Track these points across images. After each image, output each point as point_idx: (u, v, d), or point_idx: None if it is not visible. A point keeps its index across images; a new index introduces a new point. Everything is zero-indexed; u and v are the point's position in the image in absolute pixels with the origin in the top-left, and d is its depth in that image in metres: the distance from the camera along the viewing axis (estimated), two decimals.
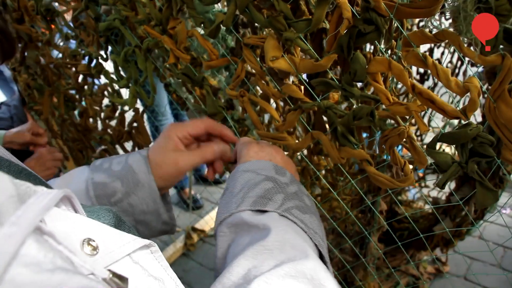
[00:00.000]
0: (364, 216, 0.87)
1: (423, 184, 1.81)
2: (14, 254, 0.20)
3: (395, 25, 0.45)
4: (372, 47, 0.59)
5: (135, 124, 0.91)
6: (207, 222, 2.44)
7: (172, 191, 2.73)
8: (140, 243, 0.32)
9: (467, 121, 0.43)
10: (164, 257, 0.35)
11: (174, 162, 0.58)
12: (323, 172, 0.81)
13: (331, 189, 0.70)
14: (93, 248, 0.28)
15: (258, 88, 0.66)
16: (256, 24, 0.65)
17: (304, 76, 0.57)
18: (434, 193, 1.92)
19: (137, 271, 0.31)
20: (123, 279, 0.27)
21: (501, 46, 0.37)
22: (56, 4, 1.02)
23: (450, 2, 0.36)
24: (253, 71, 0.65)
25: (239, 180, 0.49)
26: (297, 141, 0.63)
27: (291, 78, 0.69)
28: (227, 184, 0.52)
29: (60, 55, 1.17)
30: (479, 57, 0.37)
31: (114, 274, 0.27)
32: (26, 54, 1.22)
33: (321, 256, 0.45)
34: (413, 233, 1.47)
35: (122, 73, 0.87)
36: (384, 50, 0.50)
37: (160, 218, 0.59)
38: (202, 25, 0.62)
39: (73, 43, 1.13)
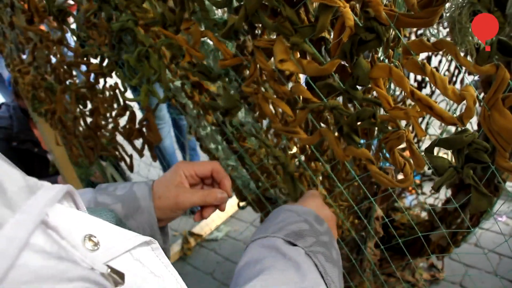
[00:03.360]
0: (360, 222, 0.89)
1: (419, 191, 1.83)
2: (26, 241, 0.22)
3: (393, 34, 0.47)
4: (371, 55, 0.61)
5: (145, 122, 0.93)
6: (203, 227, 2.45)
7: None
8: (140, 240, 0.33)
9: (463, 128, 0.45)
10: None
11: (175, 196, 0.61)
12: (320, 178, 0.83)
13: (330, 194, 0.72)
14: (94, 244, 0.29)
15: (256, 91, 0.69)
16: (255, 32, 0.67)
17: (302, 82, 0.60)
18: (430, 200, 1.94)
19: (137, 267, 0.32)
20: (120, 275, 0.29)
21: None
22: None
23: (447, 13, 0.38)
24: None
25: (281, 215, 0.56)
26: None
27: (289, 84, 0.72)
28: (268, 217, 0.59)
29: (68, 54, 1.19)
30: (474, 67, 0.39)
31: (112, 270, 0.28)
32: (35, 54, 1.25)
33: None
34: (409, 240, 1.49)
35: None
36: (382, 58, 0.52)
37: None
38: (215, 27, 0.65)
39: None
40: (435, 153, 0.50)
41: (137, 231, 0.58)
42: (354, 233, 0.86)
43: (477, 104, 0.44)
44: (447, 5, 0.40)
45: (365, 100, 0.51)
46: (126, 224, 0.41)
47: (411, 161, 0.53)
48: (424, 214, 1.78)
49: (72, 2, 0.96)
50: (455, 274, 1.88)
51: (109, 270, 0.28)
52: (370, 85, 0.50)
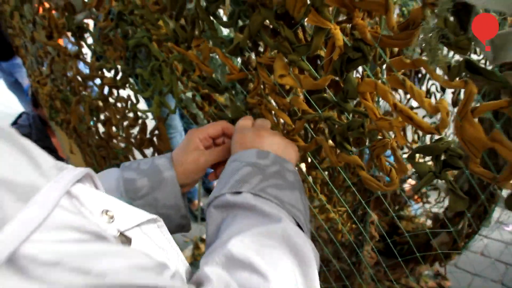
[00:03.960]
0: (357, 227, 0.94)
1: (424, 200, 1.87)
2: (58, 201, 0.29)
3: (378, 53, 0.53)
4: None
5: (156, 132, 1.00)
6: None
7: None
8: (148, 216, 0.40)
9: (440, 136, 0.50)
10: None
11: (195, 160, 0.67)
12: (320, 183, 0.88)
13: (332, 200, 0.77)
14: (110, 217, 0.35)
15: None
16: (259, 49, 0.73)
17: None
18: (435, 209, 1.98)
19: (145, 240, 0.38)
20: (128, 238, 0.36)
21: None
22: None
23: (421, 35, 0.44)
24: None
25: (226, 170, 0.58)
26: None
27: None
28: (221, 173, 0.60)
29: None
30: (445, 82, 0.45)
31: (121, 234, 0.35)
32: (53, 67, 1.33)
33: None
34: (412, 247, 1.53)
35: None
36: (370, 74, 0.58)
37: (179, 212, 0.67)
38: (222, 44, 0.71)
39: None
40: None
41: (163, 201, 0.66)
42: (353, 237, 0.91)
43: None
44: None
45: (354, 112, 0.57)
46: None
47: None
48: (429, 223, 1.81)
49: (90, 20, 1.04)
50: (460, 283, 1.90)
51: (118, 233, 0.35)
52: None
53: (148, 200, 0.65)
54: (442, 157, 0.52)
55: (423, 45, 0.44)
